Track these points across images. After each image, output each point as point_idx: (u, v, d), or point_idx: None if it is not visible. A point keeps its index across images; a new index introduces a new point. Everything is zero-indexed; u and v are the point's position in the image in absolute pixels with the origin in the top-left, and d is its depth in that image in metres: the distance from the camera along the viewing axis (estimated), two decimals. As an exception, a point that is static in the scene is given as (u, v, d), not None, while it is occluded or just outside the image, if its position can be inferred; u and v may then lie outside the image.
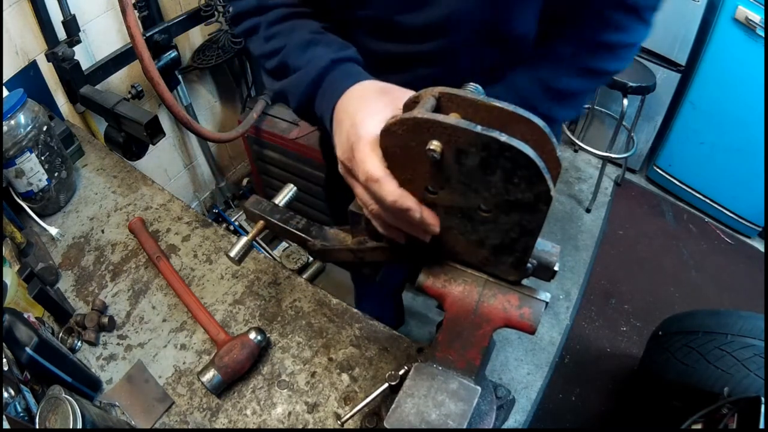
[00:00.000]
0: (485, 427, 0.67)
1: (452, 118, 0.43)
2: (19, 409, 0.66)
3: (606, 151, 2.48)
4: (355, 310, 0.93)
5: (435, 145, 0.44)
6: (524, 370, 1.97)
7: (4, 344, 0.70)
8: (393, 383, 0.70)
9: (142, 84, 1.53)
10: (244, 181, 2.39)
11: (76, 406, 0.62)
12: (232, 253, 0.74)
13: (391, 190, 0.49)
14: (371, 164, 0.49)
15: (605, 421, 1.83)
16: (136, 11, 1.35)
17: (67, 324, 0.91)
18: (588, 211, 2.59)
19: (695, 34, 2.20)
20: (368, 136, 0.50)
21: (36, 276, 0.92)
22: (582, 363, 2.00)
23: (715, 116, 2.30)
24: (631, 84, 2.17)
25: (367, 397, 0.72)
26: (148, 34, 1.49)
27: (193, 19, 1.69)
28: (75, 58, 1.35)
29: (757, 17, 1.95)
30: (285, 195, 0.77)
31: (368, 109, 0.53)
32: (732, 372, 1.30)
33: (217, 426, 0.80)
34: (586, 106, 2.69)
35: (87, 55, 1.47)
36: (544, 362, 2.00)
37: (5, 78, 1.22)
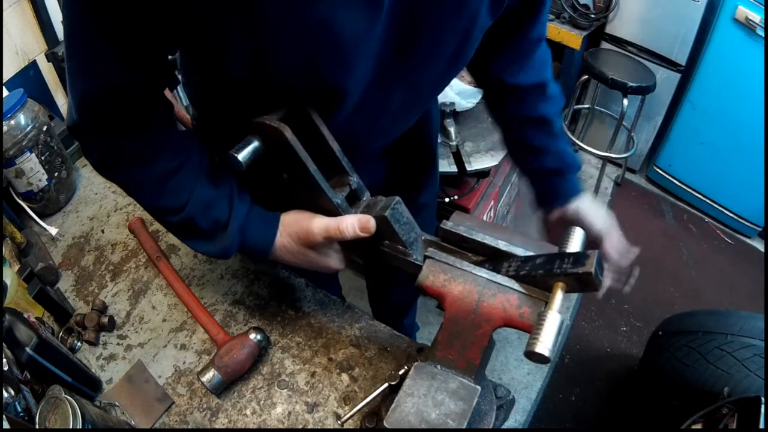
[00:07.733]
0: (485, 427, 0.67)
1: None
2: (19, 409, 0.66)
3: (606, 151, 2.48)
4: (356, 310, 0.93)
5: None
6: (524, 370, 1.97)
7: (4, 344, 0.70)
8: (393, 383, 0.70)
9: (142, 84, 1.53)
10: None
11: (76, 406, 0.62)
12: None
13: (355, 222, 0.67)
14: (335, 225, 0.66)
15: (605, 421, 1.83)
16: (136, 11, 1.35)
17: (67, 324, 0.91)
18: (588, 211, 2.59)
19: (695, 34, 2.20)
20: (315, 228, 0.68)
21: (36, 276, 0.92)
22: (582, 363, 2.00)
23: (715, 116, 2.30)
24: (631, 84, 2.17)
25: (367, 397, 0.72)
26: (148, 35, 1.49)
27: (193, 19, 1.69)
28: (75, 58, 1.35)
29: (757, 17, 1.95)
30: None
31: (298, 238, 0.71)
32: (732, 372, 1.30)
33: (217, 426, 0.80)
34: (586, 105, 2.69)
35: (87, 55, 1.47)
36: (544, 362, 1.99)
37: (5, 78, 1.21)
